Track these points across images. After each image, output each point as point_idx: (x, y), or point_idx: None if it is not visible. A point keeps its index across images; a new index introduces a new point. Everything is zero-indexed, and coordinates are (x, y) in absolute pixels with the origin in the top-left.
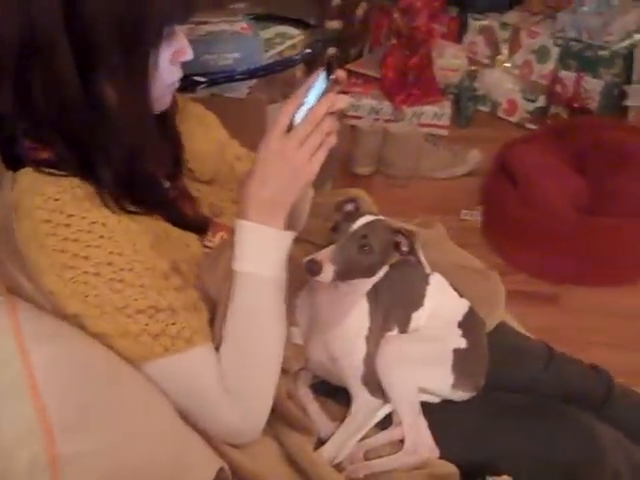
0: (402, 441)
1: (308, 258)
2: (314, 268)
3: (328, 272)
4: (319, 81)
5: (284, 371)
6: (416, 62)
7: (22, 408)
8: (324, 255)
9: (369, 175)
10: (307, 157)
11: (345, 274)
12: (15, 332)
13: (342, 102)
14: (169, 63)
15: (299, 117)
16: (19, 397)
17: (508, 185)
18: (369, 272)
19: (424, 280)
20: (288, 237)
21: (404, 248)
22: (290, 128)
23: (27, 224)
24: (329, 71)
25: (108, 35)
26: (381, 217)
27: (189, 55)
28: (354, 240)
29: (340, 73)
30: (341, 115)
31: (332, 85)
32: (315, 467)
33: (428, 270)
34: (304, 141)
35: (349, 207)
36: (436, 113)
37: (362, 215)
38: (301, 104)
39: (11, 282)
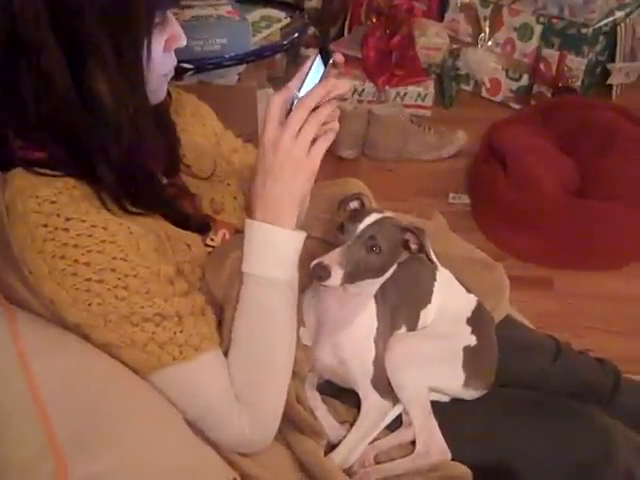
0: (413, 443)
1: (315, 262)
2: (322, 273)
3: (337, 277)
4: (315, 67)
5: (294, 374)
6: (398, 41)
7: (30, 425)
8: (332, 259)
9: (354, 158)
10: (304, 149)
11: (354, 276)
12: (16, 345)
13: (343, 87)
14: (163, 51)
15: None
16: (25, 415)
17: (497, 168)
18: (378, 273)
19: (431, 276)
20: (298, 237)
21: (413, 246)
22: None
23: (22, 229)
24: (324, 55)
25: (97, 26)
26: (388, 214)
27: (183, 41)
28: (362, 241)
29: (338, 56)
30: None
31: (330, 70)
32: (327, 473)
33: (439, 267)
34: (299, 131)
35: (354, 204)
36: (419, 94)
37: (368, 213)
38: (296, 93)
39: (6, 288)
